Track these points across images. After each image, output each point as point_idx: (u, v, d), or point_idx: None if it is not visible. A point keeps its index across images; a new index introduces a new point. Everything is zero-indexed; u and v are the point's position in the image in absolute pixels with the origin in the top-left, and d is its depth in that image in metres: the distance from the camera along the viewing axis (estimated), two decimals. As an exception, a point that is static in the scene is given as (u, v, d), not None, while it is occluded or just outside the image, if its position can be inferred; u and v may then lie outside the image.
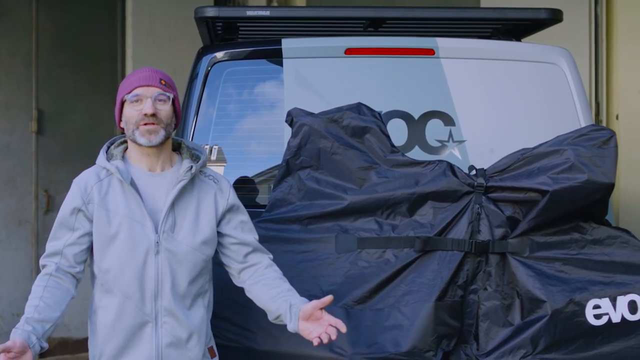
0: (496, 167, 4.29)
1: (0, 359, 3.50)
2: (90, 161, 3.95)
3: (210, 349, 3.94)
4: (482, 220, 4.22)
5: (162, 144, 3.80)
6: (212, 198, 3.89)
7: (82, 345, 8.58)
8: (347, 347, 4.14)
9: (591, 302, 4.16)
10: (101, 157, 3.86)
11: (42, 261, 3.85)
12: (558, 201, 4.13)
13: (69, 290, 3.80)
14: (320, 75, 4.86)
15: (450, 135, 4.79)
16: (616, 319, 4.16)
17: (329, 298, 3.78)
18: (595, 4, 8.34)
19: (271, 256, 3.99)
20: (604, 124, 8.13)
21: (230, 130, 4.90)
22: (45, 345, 3.69)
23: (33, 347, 3.60)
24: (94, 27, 9.39)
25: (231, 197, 3.94)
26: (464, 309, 4.23)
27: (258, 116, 4.92)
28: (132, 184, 3.78)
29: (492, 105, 4.85)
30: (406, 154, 4.43)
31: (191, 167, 3.84)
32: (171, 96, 3.82)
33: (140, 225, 3.76)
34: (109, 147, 3.92)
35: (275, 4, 10.08)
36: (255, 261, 3.96)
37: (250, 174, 4.84)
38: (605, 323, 4.16)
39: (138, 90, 3.79)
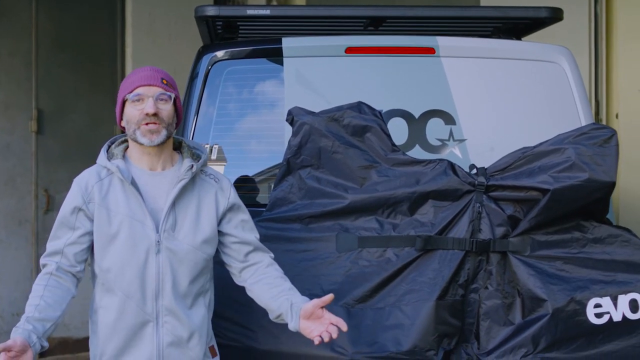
0: (497, 166, 4.29)
1: (1, 357, 3.50)
2: (90, 161, 3.94)
3: (211, 348, 3.94)
4: (483, 219, 4.22)
5: (163, 143, 3.80)
6: (212, 197, 3.89)
7: (82, 344, 8.58)
8: (348, 346, 4.14)
9: (592, 301, 4.15)
10: (102, 156, 3.86)
11: (42, 260, 3.85)
12: (559, 200, 4.13)
13: (69, 290, 3.79)
14: (321, 74, 4.85)
15: (451, 134, 4.78)
16: (617, 317, 4.16)
17: (329, 297, 3.78)
18: (595, 2, 8.34)
19: (272, 255, 3.99)
20: (603, 122, 8.13)
21: (231, 129, 4.90)
22: (46, 344, 3.69)
23: (33, 346, 3.59)
24: (93, 26, 9.39)
25: (232, 196, 3.94)
26: (465, 308, 4.23)
27: (258, 115, 4.92)
28: (133, 183, 3.78)
29: (493, 104, 4.84)
30: (407, 153, 4.43)
31: (192, 166, 3.83)
32: (173, 96, 3.82)
33: (141, 225, 3.76)
34: (109, 146, 3.92)
35: (275, 3, 10.08)
36: (256, 260, 3.96)
37: (250, 173, 4.84)
38: (606, 322, 4.16)
39: (140, 90, 3.78)
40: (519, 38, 5.52)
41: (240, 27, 5.38)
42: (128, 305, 3.76)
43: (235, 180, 4.70)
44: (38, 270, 8.57)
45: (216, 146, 4.79)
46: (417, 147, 4.77)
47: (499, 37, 5.47)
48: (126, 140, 3.90)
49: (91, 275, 3.89)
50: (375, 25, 5.44)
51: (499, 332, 4.19)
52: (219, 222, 3.91)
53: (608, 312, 4.16)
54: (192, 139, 4.72)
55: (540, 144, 4.28)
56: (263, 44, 5.05)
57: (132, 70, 3.90)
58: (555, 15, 5.16)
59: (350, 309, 4.21)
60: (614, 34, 8.28)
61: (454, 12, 5.29)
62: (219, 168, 4.69)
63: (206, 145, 4.70)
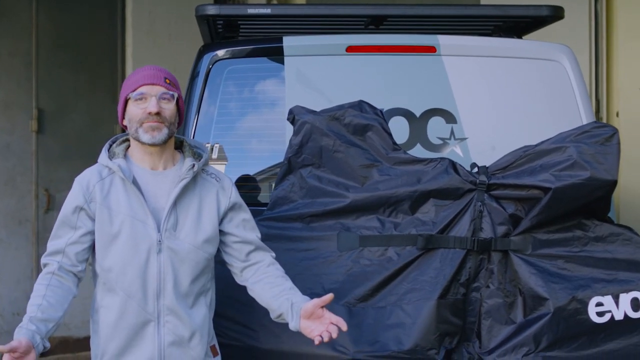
0: (498, 165, 4.29)
1: (5, 358, 3.50)
2: (91, 160, 3.94)
3: (213, 348, 3.94)
4: (484, 217, 4.22)
5: (165, 142, 3.80)
6: (214, 196, 3.89)
7: (82, 344, 8.59)
8: (350, 345, 4.14)
9: (594, 300, 4.15)
10: (103, 156, 3.85)
11: (43, 260, 3.84)
12: (560, 198, 4.12)
13: (70, 289, 3.79)
14: (322, 73, 4.85)
15: (452, 132, 4.78)
16: (619, 316, 4.16)
17: (329, 296, 3.77)
18: (595, 1, 8.33)
19: (273, 254, 3.99)
20: (604, 121, 8.13)
21: (232, 128, 4.90)
22: (48, 344, 3.69)
23: (37, 347, 3.60)
24: (94, 26, 9.39)
25: (233, 195, 3.94)
26: (467, 306, 4.22)
27: (259, 114, 4.92)
28: (134, 182, 3.78)
29: (494, 102, 4.84)
30: (408, 152, 4.43)
31: (193, 165, 3.83)
32: (175, 95, 3.81)
33: (143, 224, 3.76)
34: (110, 146, 3.91)
35: (275, 2, 10.07)
36: (257, 259, 3.95)
37: (251, 172, 4.84)
38: (608, 320, 4.16)
39: (143, 89, 3.78)
40: (519, 36, 5.52)
41: (241, 26, 5.38)
42: (129, 304, 3.76)
43: (237, 180, 4.70)
44: (39, 270, 8.56)
45: (217, 145, 4.79)
46: (419, 145, 4.77)
47: (500, 36, 5.47)
48: (127, 140, 3.90)
49: (92, 275, 3.89)
50: (376, 24, 5.44)
51: (500, 331, 4.19)
52: (220, 222, 3.91)
53: (610, 311, 4.16)
54: (193, 138, 4.72)
55: (542, 142, 4.28)
56: (264, 43, 5.05)
57: (135, 69, 3.89)
58: (556, 14, 5.16)
59: (352, 308, 4.20)
60: (615, 32, 8.28)
61: (454, 10, 5.29)
62: (220, 167, 4.68)
63: (207, 145, 4.69)
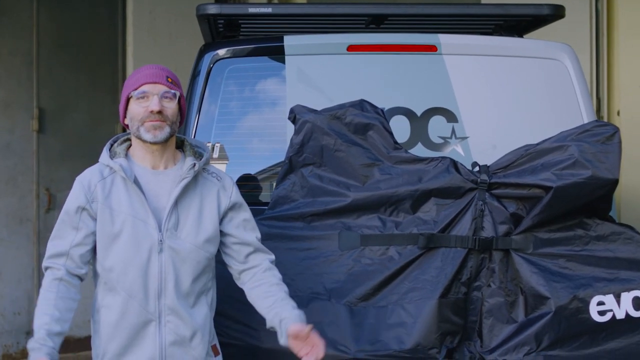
0: (499, 164, 4.28)
1: None
2: (92, 159, 3.94)
3: (214, 347, 3.94)
4: (485, 216, 4.22)
5: (166, 140, 3.80)
6: (215, 195, 3.88)
7: (83, 344, 8.58)
8: (351, 344, 4.14)
9: (595, 299, 4.15)
10: (104, 155, 3.85)
11: (47, 263, 3.82)
12: (562, 197, 4.12)
13: (76, 296, 3.79)
14: (323, 72, 4.86)
15: (453, 131, 4.78)
16: (620, 315, 4.16)
17: (308, 328, 3.75)
18: (596, -1, 8.35)
19: (272, 257, 3.98)
20: (605, 119, 8.13)
21: (233, 127, 4.90)
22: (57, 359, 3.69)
23: None
24: (94, 25, 9.38)
25: (234, 194, 3.93)
26: (468, 306, 4.22)
27: (260, 113, 4.92)
28: (136, 181, 3.78)
29: (495, 101, 4.84)
30: (409, 151, 4.43)
31: (194, 164, 3.83)
32: (177, 94, 3.82)
33: (144, 224, 3.76)
34: (112, 145, 3.91)
35: (276, 1, 10.07)
36: (255, 263, 3.94)
37: (252, 171, 4.84)
38: (610, 319, 4.16)
39: (145, 87, 3.78)
40: (520, 35, 5.52)
41: (242, 25, 5.38)
42: (130, 304, 3.75)
43: (238, 179, 4.70)
44: (40, 269, 8.50)
45: (218, 144, 4.79)
46: (420, 144, 4.77)
47: (501, 35, 5.46)
48: (128, 139, 3.90)
49: (93, 275, 3.89)
50: (377, 23, 5.44)
51: (501, 330, 4.19)
52: (220, 221, 3.91)
53: (611, 310, 4.16)
54: (194, 137, 4.72)
55: (543, 141, 4.28)
56: (265, 42, 5.05)
57: (137, 68, 3.89)
58: (556, 13, 5.16)
59: (353, 307, 4.20)
60: (615, 30, 8.28)
61: (455, 9, 5.29)
62: (221, 166, 4.68)
63: (208, 144, 4.70)
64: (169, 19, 8.94)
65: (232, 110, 4.89)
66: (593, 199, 4.19)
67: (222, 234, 3.92)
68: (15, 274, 8.89)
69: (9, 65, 8.94)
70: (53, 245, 3.82)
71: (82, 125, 9.25)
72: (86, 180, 3.81)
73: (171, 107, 3.79)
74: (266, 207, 4.40)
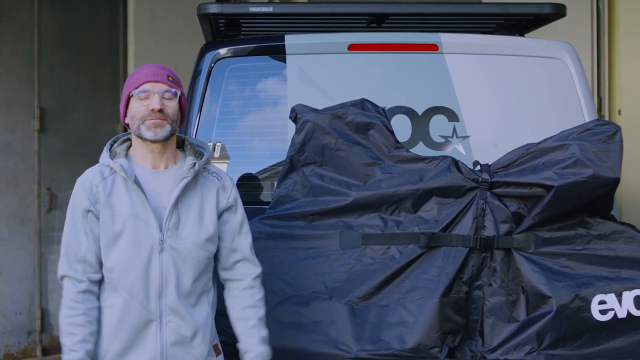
0: (501, 163, 4.28)
1: None
2: (93, 159, 3.93)
3: (215, 347, 3.93)
4: (486, 215, 4.22)
5: (167, 139, 3.79)
6: (214, 195, 3.88)
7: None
8: (352, 343, 4.14)
9: (597, 298, 4.15)
10: (104, 155, 3.85)
11: (65, 271, 3.79)
12: (563, 196, 4.12)
13: (97, 303, 3.80)
14: (324, 72, 4.86)
15: (454, 130, 4.78)
16: (622, 314, 4.16)
17: None
18: (597, -2, 8.35)
19: (259, 271, 3.96)
20: (606, 119, 8.13)
21: (234, 127, 4.90)
22: None
23: None
24: (95, 25, 9.38)
25: (233, 196, 3.92)
26: (469, 305, 4.22)
27: (261, 113, 4.93)
28: (136, 181, 3.77)
29: (496, 100, 4.84)
30: (410, 150, 4.43)
31: (194, 164, 3.83)
32: (178, 93, 3.81)
33: (145, 224, 3.75)
34: (112, 145, 3.91)
35: (277, 0, 10.06)
36: (239, 276, 3.93)
37: (254, 170, 4.84)
38: (611, 318, 4.16)
39: (146, 86, 3.78)
40: (521, 34, 5.52)
41: (243, 25, 5.38)
42: (131, 304, 3.75)
43: (239, 178, 4.71)
44: (41, 269, 8.50)
45: (219, 144, 4.79)
46: (421, 144, 4.77)
47: (502, 34, 5.46)
48: (129, 139, 3.90)
49: (95, 275, 3.89)
50: (378, 22, 5.44)
51: (503, 329, 4.19)
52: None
53: (612, 309, 4.16)
54: (195, 136, 4.72)
55: (544, 140, 4.27)
56: (266, 41, 5.05)
57: (138, 67, 3.89)
58: (558, 12, 5.16)
59: (354, 306, 4.20)
60: (616, 30, 8.28)
61: (456, 8, 5.29)
62: (222, 166, 4.68)
63: (209, 143, 4.70)
64: (170, 18, 8.94)
65: (233, 110, 4.89)
66: (594, 198, 4.19)
67: None
68: (17, 274, 8.89)
69: (10, 65, 8.94)
70: (67, 252, 3.80)
71: (83, 124, 9.24)
72: (87, 182, 3.81)
73: (172, 105, 3.79)
74: (267, 207, 4.40)
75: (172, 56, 8.33)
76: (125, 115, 3.85)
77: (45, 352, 8.93)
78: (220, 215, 3.89)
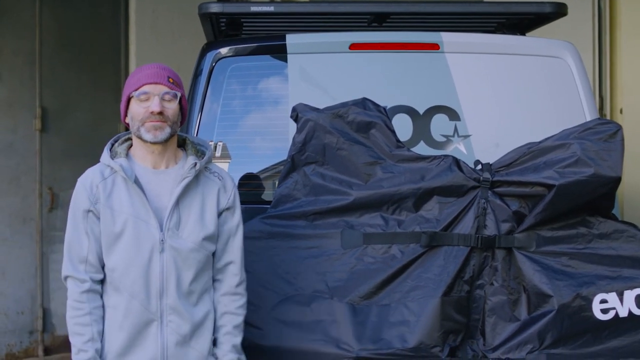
0: (502, 162, 4.28)
1: None
2: (95, 159, 3.93)
3: (217, 346, 3.94)
4: (488, 215, 4.22)
5: (166, 141, 3.79)
6: (215, 195, 3.88)
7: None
8: (354, 343, 4.13)
9: (598, 297, 4.15)
10: (105, 155, 3.85)
11: (70, 271, 3.80)
12: (564, 195, 4.12)
13: (100, 302, 3.81)
14: (325, 71, 4.85)
15: (456, 130, 4.78)
16: (623, 313, 4.16)
17: None
18: (598, -3, 8.34)
19: (243, 277, 3.95)
20: (608, 118, 8.13)
21: (235, 126, 4.90)
22: None
23: None
24: (97, 24, 9.38)
25: (233, 197, 3.92)
26: (471, 304, 4.22)
27: (263, 112, 4.92)
28: (137, 181, 3.77)
29: (497, 99, 4.84)
30: (411, 149, 4.43)
31: (195, 163, 3.82)
32: (178, 94, 3.81)
33: (145, 224, 3.75)
34: (112, 145, 3.91)
35: None
36: (224, 278, 3.93)
37: (255, 170, 4.84)
38: (612, 317, 4.16)
39: (146, 88, 3.78)
40: (523, 33, 5.52)
41: (244, 24, 5.38)
42: (132, 304, 3.75)
43: (240, 177, 4.71)
44: (43, 269, 8.50)
45: (220, 143, 4.79)
46: (422, 143, 4.77)
47: (503, 33, 5.46)
48: (129, 139, 3.90)
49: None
50: (379, 21, 5.44)
51: (504, 328, 4.19)
52: None
53: (614, 308, 4.15)
54: (197, 136, 4.72)
55: (546, 139, 4.27)
56: (267, 40, 5.05)
57: (138, 67, 3.89)
58: (559, 11, 5.16)
59: (356, 305, 4.20)
60: (618, 28, 8.28)
61: (458, 8, 5.28)
62: (223, 165, 4.68)
63: (210, 142, 4.69)
64: (172, 17, 8.94)
65: (234, 109, 4.89)
66: (596, 197, 4.19)
67: None
68: (19, 274, 8.90)
69: (12, 65, 8.94)
70: (70, 252, 3.81)
71: (84, 124, 9.25)
72: (88, 181, 3.81)
73: (172, 107, 3.79)
74: (269, 206, 4.40)
75: (174, 55, 8.33)
76: (125, 115, 3.85)
77: (47, 351, 8.93)
78: (219, 215, 3.89)
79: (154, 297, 3.75)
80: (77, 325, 3.74)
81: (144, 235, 3.74)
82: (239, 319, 3.92)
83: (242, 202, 4.00)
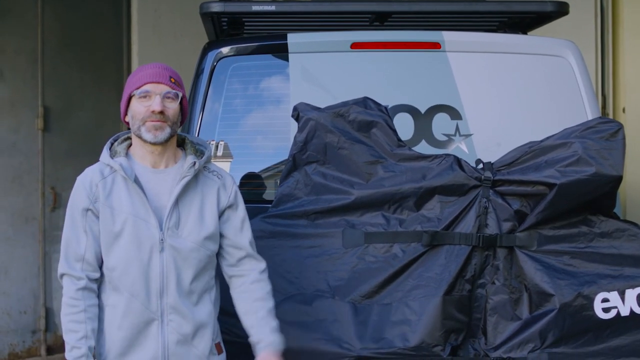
0: (503, 161, 4.28)
1: None
2: (97, 158, 3.93)
3: (217, 345, 3.93)
4: (489, 214, 4.22)
5: (166, 141, 3.79)
6: (215, 193, 3.88)
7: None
8: (355, 342, 4.14)
9: (600, 296, 4.15)
10: (105, 154, 3.85)
11: (65, 269, 3.80)
12: (566, 194, 4.12)
13: (97, 301, 3.80)
14: (327, 70, 4.86)
15: (457, 129, 4.78)
16: (625, 312, 4.16)
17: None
18: (600, -4, 8.34)
19: (263, 266, 3.96)
20: (610, 117, 8.12)
21: (237, 125, 4.90)
22: None
23: None
24: (99, 24, 9.38)
25: (233, 194, 3.92)
26: (472, 303, 4.22)
27: (264, 111, 4.92)
28: (136, 181, 3.77)
29: (499, 98, 4.84)
30: (413, 148, 4.43)
31: (194, 163, 3.82)
32: (180, 94, 3.81)
33: (145, 223, 3.75)
34: (112, 144, 3.91)
35: (280, -1, 10.08)
36: (244, 271, 3.93)
37: (256, 169, 4.84)
38: (614, 316, 4.16)
39: (147, 87, 3.78)
40: (524, 32, 5.51)
41: (246, 23, 5.39)
42: (133, 303, 3.75)
43: (241, 177, 4.71)
44: (45, 268, 8.50)
45: (222, 142, 4.79)
46: (423, 142, 4.77)
47: (505, 32, 5.46)
48: (129, 138, 3.90)
49: (96, 274, 3.89)
50: (380, 20, 5.44)
51: (506, 327, 4.19)
52: (218, 220, 3.90)
53: (615, 307, 4.16)
54: (198, 135, 4.72)
55: (547, 138, 4.27)
56: (268, 40, 5.06)
57: (140, 66, 3.89)
58: (561, 9, 5.15)
59: (357, 304, 4.20)
60: (620, 27, 8.28)
61: (459, 6, 5.28)
62: (224, 164, 4.69)
63: (212, 142, 4.70)
64: (174, 17, 8.94)
65: (235, 108, 4.89)
66: (597, 196, 4.19)
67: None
68: (21, 273, 8.90)
69: (14, 64, 8.94)
70: (67, 250, 3.81)
71: (87, 123, 9.25)
72: (87, 180, 3.81)
73: (173, 107, 3.79)
74: (270, 205, 4.40)
75: (176, 55, 8.33)
76: (125, 114, 3.85)
77: (50, 351, 8.93)
78: (221, 213, 3.89)
79: (154, 296, 3.76)
80: (71, 322, 3.74)
81: (144, 235, 3.75)
82: (271, 304, 3.92)
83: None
